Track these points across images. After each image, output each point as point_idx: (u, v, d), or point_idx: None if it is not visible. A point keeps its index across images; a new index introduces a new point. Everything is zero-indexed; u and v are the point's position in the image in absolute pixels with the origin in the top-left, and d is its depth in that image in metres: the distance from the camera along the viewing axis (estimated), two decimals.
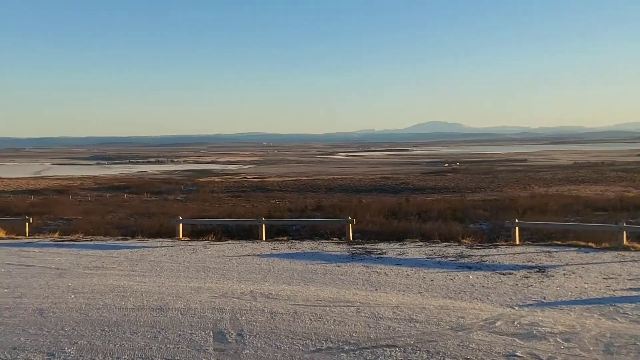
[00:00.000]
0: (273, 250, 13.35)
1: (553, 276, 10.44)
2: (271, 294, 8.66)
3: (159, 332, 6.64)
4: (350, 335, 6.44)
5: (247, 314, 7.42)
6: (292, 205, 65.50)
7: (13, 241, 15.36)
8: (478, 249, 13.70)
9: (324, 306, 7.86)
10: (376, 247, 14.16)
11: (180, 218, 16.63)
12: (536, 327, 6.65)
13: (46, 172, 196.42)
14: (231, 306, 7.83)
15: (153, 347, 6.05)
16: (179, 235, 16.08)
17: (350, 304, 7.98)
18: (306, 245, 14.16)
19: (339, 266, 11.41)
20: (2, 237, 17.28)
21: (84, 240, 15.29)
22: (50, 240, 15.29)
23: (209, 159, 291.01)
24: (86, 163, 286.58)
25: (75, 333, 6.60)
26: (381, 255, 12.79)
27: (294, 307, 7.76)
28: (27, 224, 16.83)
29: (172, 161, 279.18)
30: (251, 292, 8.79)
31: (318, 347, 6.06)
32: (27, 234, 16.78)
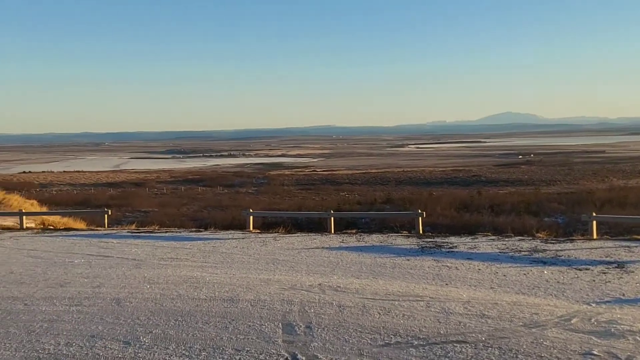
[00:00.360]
0: (342, 243, 13.37)
1: (633, 272, 10.00)
2: (339, 287, 8.67)
3: (229, 322, 6.75)
4: (419, 330, 6.36)
5: (316, 306, 7.45)
6: (362, 198, 65.51)
7: (93, 232, 15.98)
8: (553, 243, 13.27)
9: (392, 300, 7.80)
10: (447, 240, 13.95)
11: (251, 211, 16.88)
12: (614, 325, 6.38)
13: (124, 165, 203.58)
14: (300, 298, 7.88)
15: (224, 338, 6.16)
16: (249, 228, 16.34)
17: (419, 299, 7.89)
18: (375, 239, 14.10)
19: (408, 260, 11.31)
20: (83, 228, 18.04)
21: (159, 232, 15.74)
22: (128, 232, 15.83)
23: (279, 153, 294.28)
24: (162, 157, 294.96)
25: (150, 322, 6.80)
26: (452, 249, 12.58)
27: (362, 301, 7.73)
28: (105, 215, 17.48)
29: (243, 155, 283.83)
30: (320, 284, 8.83)
31: (387, 341, 6.01)
32: (106, 226, 17.44)
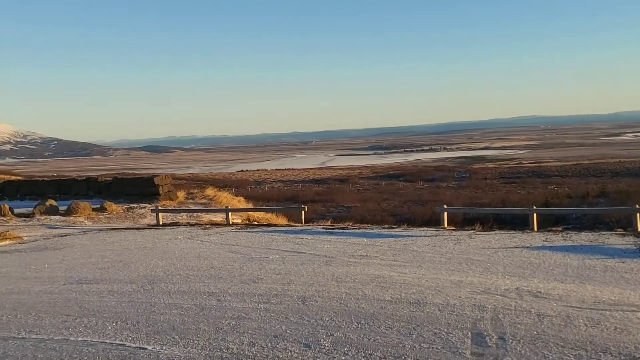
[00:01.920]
0: (545, 242, 12.21)
1: None
2: (540, 292, 7.81)
3: (414, 328, 6.32)
4: (635, 347, 5.42)
5: (511, 314, 6.73)
6: (572, 192, 61.07)
7: (290, 228, 16.42)
8: None
9: (602, 310, 6.81)
10: None
11: (445, 207, 16.21)
12: None
13: (330, 162, 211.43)
14: (493, 304, 7.20)
15: (406, 345, 5.74)
16: (443, 224, 15.70)
17: (636, 309, 6.81)
18: (584, 237, 12.67)
19: (623, 262, 9.94)
20: (282, 224, 18.69)
21: (352, 229, 15.72)
22: (322, 228, 16.02)
23: (482, 145, 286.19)
24: (365, 153, 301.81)
25: (333, 324, 6.59)
26: None
27: (565, 309, 6.85)
28: (302, 212, 17.91)
29: (445, 149, 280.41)
30: (517, 289, 8.04)
31: (594, 358, 5.18)
32: (303, 222, 17.86)
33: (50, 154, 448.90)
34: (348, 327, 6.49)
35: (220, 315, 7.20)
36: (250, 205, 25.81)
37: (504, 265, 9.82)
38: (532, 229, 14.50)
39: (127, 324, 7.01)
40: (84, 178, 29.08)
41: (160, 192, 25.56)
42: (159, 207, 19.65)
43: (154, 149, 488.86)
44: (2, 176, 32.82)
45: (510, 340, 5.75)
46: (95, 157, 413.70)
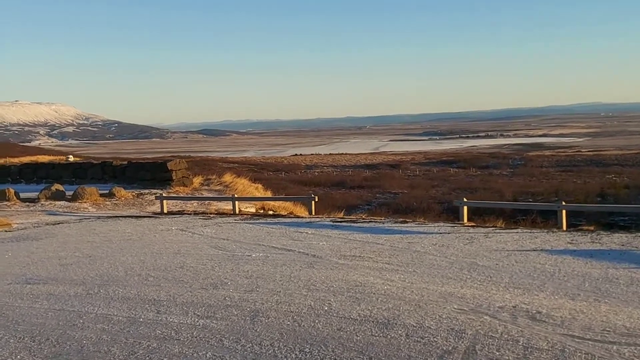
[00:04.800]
0: (569, 245, 10.52)
1: None
2: (540, 312, 6.37)
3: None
4: None
5: (493, 344, 5.35)
6: (632, 182, 57.76)
7: (295, 220, 15.16)
8: None
9: (609, 343, 5.34)
10: None
11: (465, 200, 14.61)
12: None
13: (383, 148, 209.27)
14: (476, 329, 5.82)
15: None
16: (463, 220, 14.16)
17: None
18: (616, 239, 10.78)
19: None
20: (293, 214, 17.47)
21: (361, 222, 14.30)
22: (330, 221, 14.67)
23: (540, 132, 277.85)
24: (419, 139, 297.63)
25: (269, 352, 5.37)
26: None
27: (562, 341, 5.41)
28: (312, 202, 16.63)
29: (501, 135, 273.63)
30: (514, 307, 6.61)
31: None
32: (313, 213, 16.59)
33: (111, 136, 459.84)
34: (285, 357, 5.26)
35: (145, 333, 6.05)
36: (268, 194, 24.72)
37: (511, 274, 8.34)
38: (561, 227, 12.82)
39: (33, 341, 5.95)
40: (100, 162, 28.20)
41: (174, 177, 24.53)
42: (165, 195, 18.80)
43: (210, 132, 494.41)
44: (23, 159, 32.68)
45: None
46: (154, 139, 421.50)
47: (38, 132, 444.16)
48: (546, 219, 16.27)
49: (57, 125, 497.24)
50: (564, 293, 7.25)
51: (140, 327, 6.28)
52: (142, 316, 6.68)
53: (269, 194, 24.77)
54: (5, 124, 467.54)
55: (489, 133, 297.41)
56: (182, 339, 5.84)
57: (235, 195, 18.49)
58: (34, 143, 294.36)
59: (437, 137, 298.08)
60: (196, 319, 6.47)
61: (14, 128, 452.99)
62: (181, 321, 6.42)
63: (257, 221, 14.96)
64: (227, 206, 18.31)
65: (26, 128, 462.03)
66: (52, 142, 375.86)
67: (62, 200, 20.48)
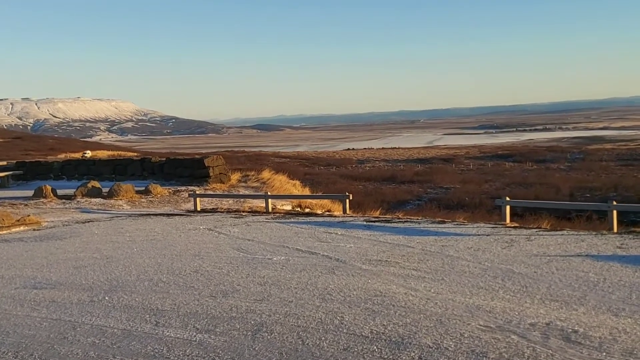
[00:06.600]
0: (618, 249, 9.56)
1: None
2: (576, 331, 5.60)
3: None
4: None
5: None
6: None
7: (327, 219, 14.48)
8: None
9: None
10: None
11: (507, 199, 13.66)
12: None
13: (437, 142, 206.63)
14: (500, 351, 5.10)
15: None
16: (505, 220, 13.24)
17: None
18: None
19: None
20: (328, 213, 16.85)
21: (396, 222, 13.52)
22: (363, 220, 13.98)
23: (600, 125, 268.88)
24: (474, 132, 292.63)
25: None
26: None
27: None
28: (347, 200, 15.95)
29: (560, 128, 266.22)
30: (547, 324, 5.85)
31: None
32: (347, 211, 15.90)
33: (168, 131, 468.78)
34: None
35: (136, 350, 5.56)
36: (306, 191, 24.18)
37: (550, 283, 7.53)
38: (612, 229, 11.80)
39: (15, 357, 5.53)
40: (140, 158, 28.22)
41: (211, 174, 24.15)
42: (199, 192, 18.44)
43: (264, 127, 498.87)
44: (71, 154, 33.03)
45: None
46: (210, 134, 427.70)
47: (99, 128, 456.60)
48: (603, 217, 15.18)
49: (117, 121, 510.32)
50: (607, 307, 6.43)
51: (132, 341, 5.81)
52: (139, 328, 6.21)
53: (307, 191, 24.25)
54: (67, 119, 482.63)
55: (547, 126, 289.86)
56: (172, 358, 5.34)
57: (269, 193, 18.02)
58: (95, 138, 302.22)
59: (494, 131, 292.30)
60: (194, 333, 5.97)
61: (76, 124, 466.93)
62: (177, 335, 5.92)
63: (288, 220, 14.42)
64: (261, 204, 17.83)
65: (87, 124, 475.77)
66: (112, 137, 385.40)
67: (98, 197, 20.40)
